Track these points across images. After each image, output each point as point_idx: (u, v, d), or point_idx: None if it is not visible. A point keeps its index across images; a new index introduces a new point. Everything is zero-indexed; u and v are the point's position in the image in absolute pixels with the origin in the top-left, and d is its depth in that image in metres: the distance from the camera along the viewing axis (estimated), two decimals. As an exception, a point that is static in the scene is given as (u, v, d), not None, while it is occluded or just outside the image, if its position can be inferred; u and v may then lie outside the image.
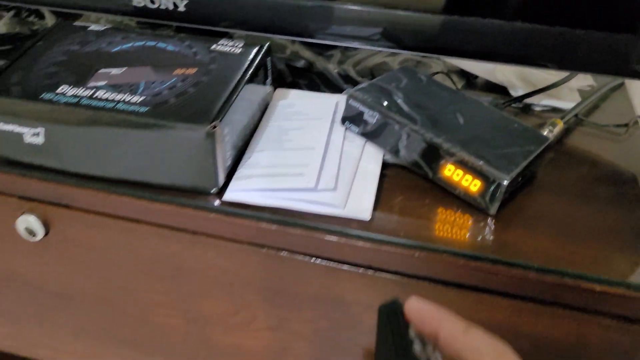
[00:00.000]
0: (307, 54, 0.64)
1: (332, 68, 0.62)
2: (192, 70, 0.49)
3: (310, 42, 0.56)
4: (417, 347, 0.30)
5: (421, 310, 0.31)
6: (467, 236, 0.44)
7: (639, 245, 0.43)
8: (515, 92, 0.61)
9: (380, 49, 0.55)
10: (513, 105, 0.60)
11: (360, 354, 0.50)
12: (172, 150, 0.44)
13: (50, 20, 0.68)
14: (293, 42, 0.66)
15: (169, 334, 0.54)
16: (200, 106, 0.45)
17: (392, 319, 0.32)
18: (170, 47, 0.52)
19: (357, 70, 0.63)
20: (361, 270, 0.45)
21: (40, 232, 0.50)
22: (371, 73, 0.63)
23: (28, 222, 0.50)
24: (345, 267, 0.45)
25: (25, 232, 0.51)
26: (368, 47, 0.55)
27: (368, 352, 0.49)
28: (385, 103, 0.49)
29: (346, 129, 0.51)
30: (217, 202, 0.46)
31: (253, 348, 0.52)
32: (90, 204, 0.48)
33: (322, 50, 0.65)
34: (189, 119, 0.44)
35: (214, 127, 0.43)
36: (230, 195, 0.46)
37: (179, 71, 0.49)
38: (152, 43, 0.52)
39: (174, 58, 0.50)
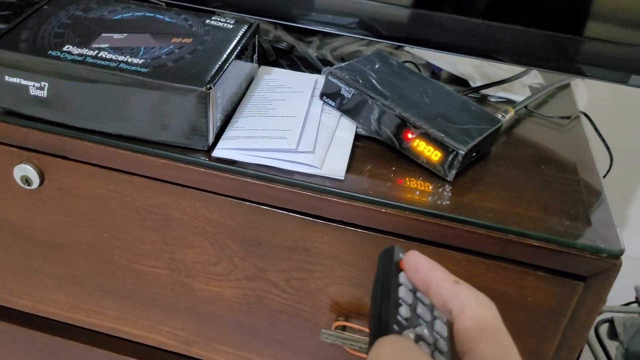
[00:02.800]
0: (289, 38, 0.70)
1: (311, 52, 0.68)
2: (188, 40, 0.54)
3: (292, 26, 0.62)
4: (402, 290, 0.33)
5: (417, 261, 0.34)
6: (428, 198, 0.50)
7: (572, 211, 0.50)
8: (474, 84, 0.68)
9: (356, 36, 0.61)
10: (471, 95, 0.67)
11: (329, 303, 0.55)
12: (169, 109, 0.49)
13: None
14: (276, 27, 0.72)
15: (152, 283, 0.59)
16: (196, 71, 0.50)
17: (387, 263, 0.35)
18: (167, 19, 0.56)
19: (334, 55, 0.69)
20: (334, 224, 0.51)
21: (36, 181, 0.54)
22: (342, 60, 0.69)
23: (25, 171, 0.54)
24: (320, 221, 0.51)
25: (22, 181, 0.54)
26: (345, 34, 0.61)
27: (336, 303, 0.55)
28: (360, 81, 0.54)
29: (324, 103, 0.57)
30: (206, 159, 0.51)
31: (231, 297, 0.57)
32: (87, 156, 0.53)
33: (302, 36, 0.71)
34: (186, 80, 0.48)
35: (209, 88, 0.48)
36: (219, 152, 0.51)
37: (176, 40, 0.53)
38: (150, 14, 0.57)
39: (172, 28, 0.55)
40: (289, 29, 0.71)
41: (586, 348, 0.96)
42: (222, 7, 0.62)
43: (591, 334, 0.92)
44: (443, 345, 0.32)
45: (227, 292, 0.57)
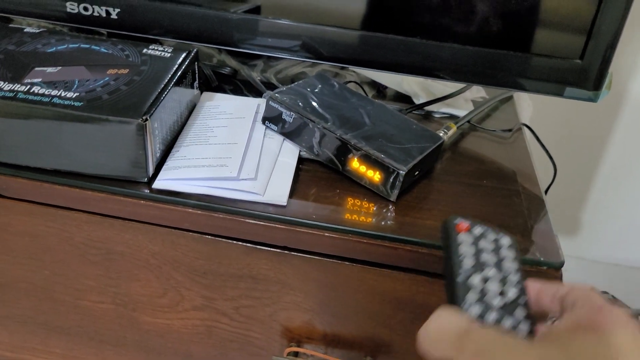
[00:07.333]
0: (233, 62, 0.70)
1: (255, 76, 0.68)
2: (124, 71, 0.53)
3: (236, 51, 0.62)
4: (463, 247, 0.38)
5: (536, 286, 0.37)
6: (371, 219, 0.50)
7: (512, 224, 0.51)
8: (418, 101, 0.69)
9: (298, 59, 0.62)
10: (415, 112, 0.68)
11: (280, 329, 0.55)
12: (105, 142, 0.48)
13: (-20, 23, 0.70)
14: (220, 51, 0.72)
15: (98, 318, 0.57)
16: (132, 102, 0.49)
17: (449, 230, 0.40)
18: (103, 50, 0.56)
19: (278, 78, 0.69)
20: (278, 250, 0.50)
21: (-29, 221, 0.53)
22: (291, 81, 0.69)
23: (-41, 212, 0.52)
24: (264, 247, 0.50)
25: (-44, 222, 0.53)
26: (288, 56, 0.61)
27: (286, 329, 0.55)
28: (301, 104, 0.55)
29: (266, 128, 0.57)
30: (147, 190, 0.50)
31: (180, 328, 0.56)
32: (23, 193, 0.51)
33: (246, 59, 0.71)
34: (121, 113, 0.48)
35: (145, 120, 0.47)
36: (159, 183, 0.50)
37: (112, 71, 0.53)
38: (86, 45, 0.56)
39: (108, 59, 0.54)
40: (233, 53, 0.71)
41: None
42: (163, 34, 0.62)
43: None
44: (513, 280, 0.37)
45: (175, 324, 0.56)
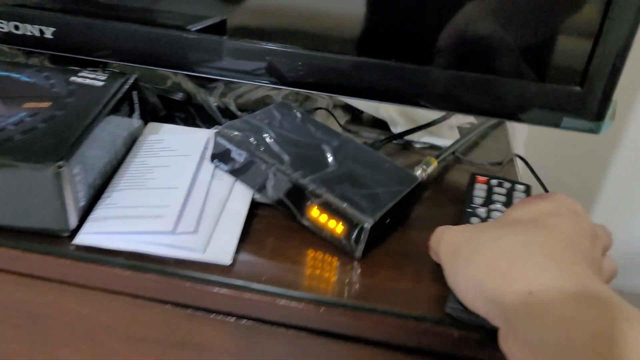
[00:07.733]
0: (190, 85, 0.62)
1: (212, 101, 0.60)
2: (45, 104, 0.45)
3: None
4: (476, 191, 0.50)
5: None
6: (331, 281, 0.42)
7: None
8: (396, 129, 0.61)
9: (261, 84, 0.54)
10: (394, 142, 0.60)
11: (227, 404, 0.47)
12: (16, 191, 0.41)
13: None
14: (175, 73, 0.64)
15: (22, 388, 0.50)
16: (49, 144, 0.41)
17: (469, 182, 0.51)
18: (24, 78, 0.48)
19: (240, 103, 0.61)
20: (222, 317, 0.43)
21: None
22: (263, 104, 0.61)
23: None
24: (207, 313, 0.43)
25: None
26: (249, 82, 0.54)
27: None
28: (253, 141, 0.47)
29: (215, 166, 0.49)
30: (68, 247, 0.42)
31: (114, 401, 0.49)
32: None
33: (205, 82, 0.63)
34: (33, 157, 0.40)
35: (60, 167, 0.40)
36: (82, 238, 0.43)
37: (29, 105, 0.45)
38: (5, 73, 0.49)
39: (27, 90, 0.47)
40: (190, 75, 0.64)
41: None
42: (107, 56, 0.54)
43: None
44: None
45: (113, 393, 0.49)
